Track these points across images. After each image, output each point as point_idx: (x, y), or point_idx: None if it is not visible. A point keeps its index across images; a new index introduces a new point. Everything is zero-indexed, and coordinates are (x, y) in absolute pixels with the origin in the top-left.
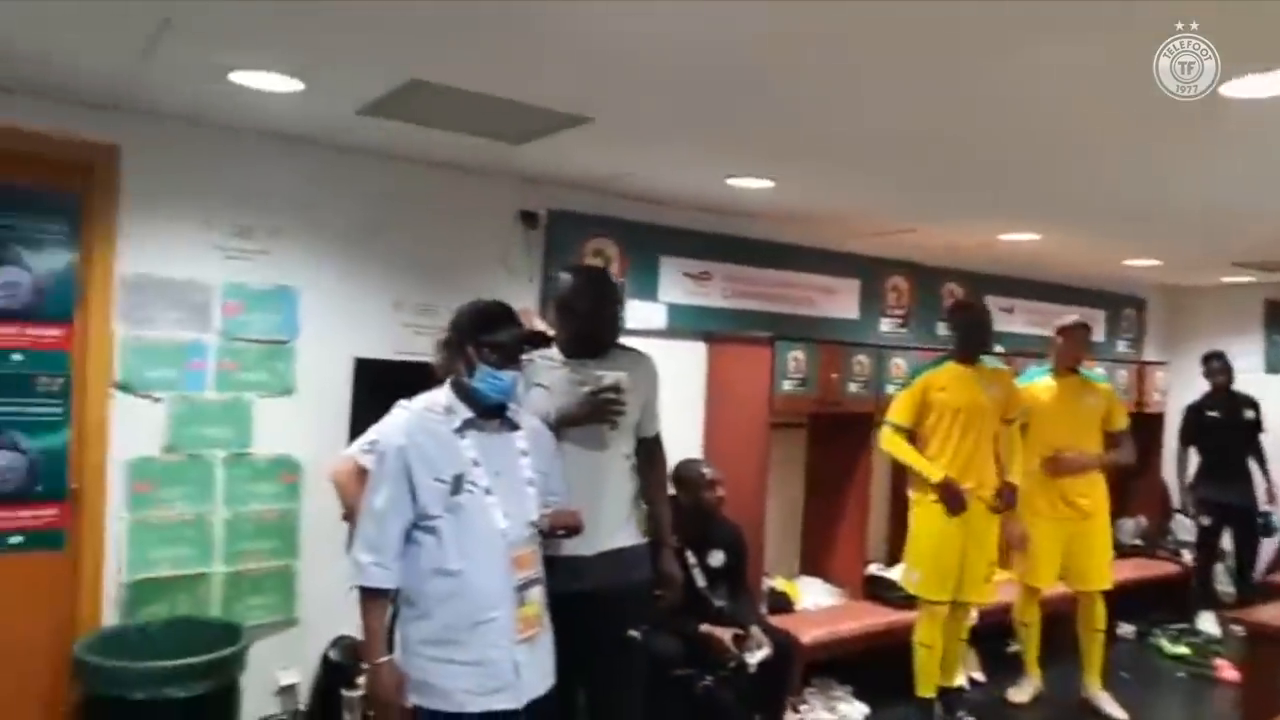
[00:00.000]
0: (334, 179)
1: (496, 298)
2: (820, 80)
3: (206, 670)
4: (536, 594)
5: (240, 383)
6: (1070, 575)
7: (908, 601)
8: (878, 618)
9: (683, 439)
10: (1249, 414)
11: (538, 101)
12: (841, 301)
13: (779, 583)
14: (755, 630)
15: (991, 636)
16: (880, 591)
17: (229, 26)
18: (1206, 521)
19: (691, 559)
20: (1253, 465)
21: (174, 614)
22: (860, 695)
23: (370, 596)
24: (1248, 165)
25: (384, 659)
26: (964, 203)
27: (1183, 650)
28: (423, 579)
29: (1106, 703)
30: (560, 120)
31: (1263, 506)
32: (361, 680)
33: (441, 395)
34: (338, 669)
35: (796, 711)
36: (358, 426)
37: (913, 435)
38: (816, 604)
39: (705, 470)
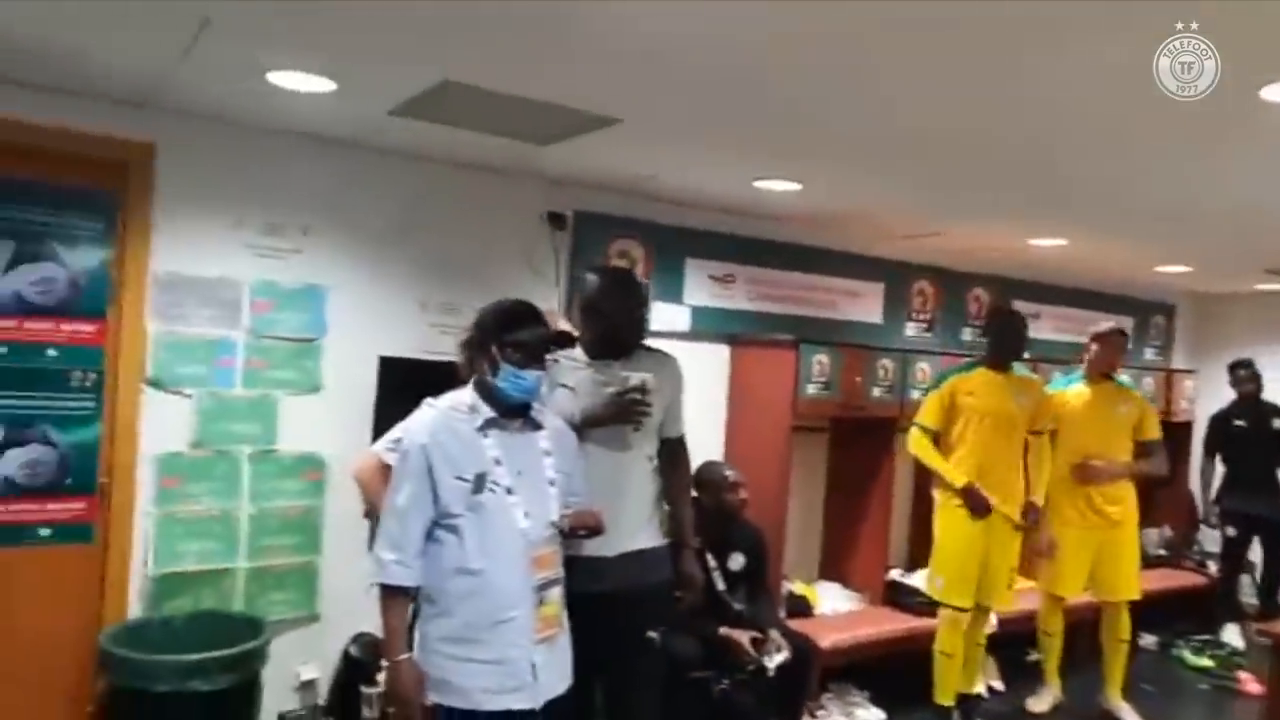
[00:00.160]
0: (364, 179)
1: (521, 298)
2: (850, 80)
3: (229, 664)
4: (556, 594)
5: (268, 380)
6: (1097, 585)
7: (928, 608)
8: (897, 624)
9: (705, 441)
10: (1277, 424)
11: (568, 102)
12: (866, 305)
13: (798, 586)
14: (774, 634)
15: (1011, 645)
16: (900, 598)
17: (266, 26)
18: (1232, 532)
19: (712, 561)
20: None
21: (198, 608)
22: (878, 701)
23: (391, 594)
24: None
25: (404, 656)
26: (993, 205)
27: (1206, 662)
28: (444, 577)
29: (1127, 714)
30: (589, 121)
31: None
32: (381, 677)
33: (465, 394)
34: (358, 665)
35: (814, 716)
36: (382, 425)
37: (939, 439)
38: (835, 609)
39: (727, 473)
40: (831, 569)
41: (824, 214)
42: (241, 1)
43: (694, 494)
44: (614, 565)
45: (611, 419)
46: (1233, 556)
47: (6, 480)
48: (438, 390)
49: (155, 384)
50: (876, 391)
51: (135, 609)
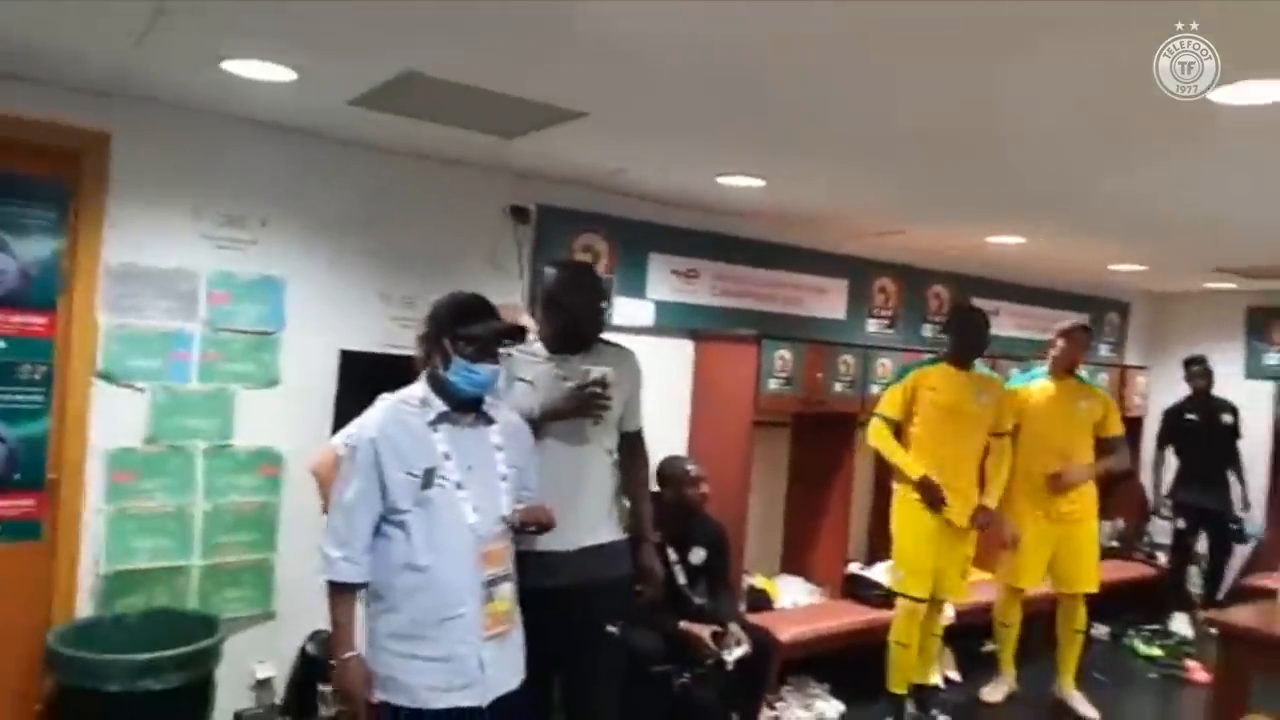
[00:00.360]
0: (324, 170)
1: (485, 292)
2: (816, 80)
3: (182, 662)
4: (506, 590)
5: (225, 373)
6: (1056, 577)
7: (886, 600)
8: (856, 616)
9: (668, 436)
10: (1227, 419)
11: (533, 96)
12: (829, 302)
13: (759, 580)
14: (734, 628)
15: (969, 636)
16: (859, 590)
17: (223, 14)
18: (1182, 525)
19: (673, 556)
20: (1229, 471)
21: (150, 606)
22: (837, 693)
23: (338, 591)
24: (1236, 172)
25: (350, 654)
26: (954, 204)
27: (1155, 651)
28: (391, 573)
29: (1080, 703)
30: (555, 115)
31: (1237, 513)
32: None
33: (418, 388)
34: (314, 663)
35: (773, 709)
36: (342, 419)
37: (900, 431)
38: (795, 602)
39: (689, 467)
40: (793, 563)
41: (788, 210)
42: None
43: (656, 489)
44: (573, 560)
45: (571, 413)
46: (1182, 548)
47: None
48: (398, 385)
49: (107, 377)
50: (838, 387)
51: (86, 607)
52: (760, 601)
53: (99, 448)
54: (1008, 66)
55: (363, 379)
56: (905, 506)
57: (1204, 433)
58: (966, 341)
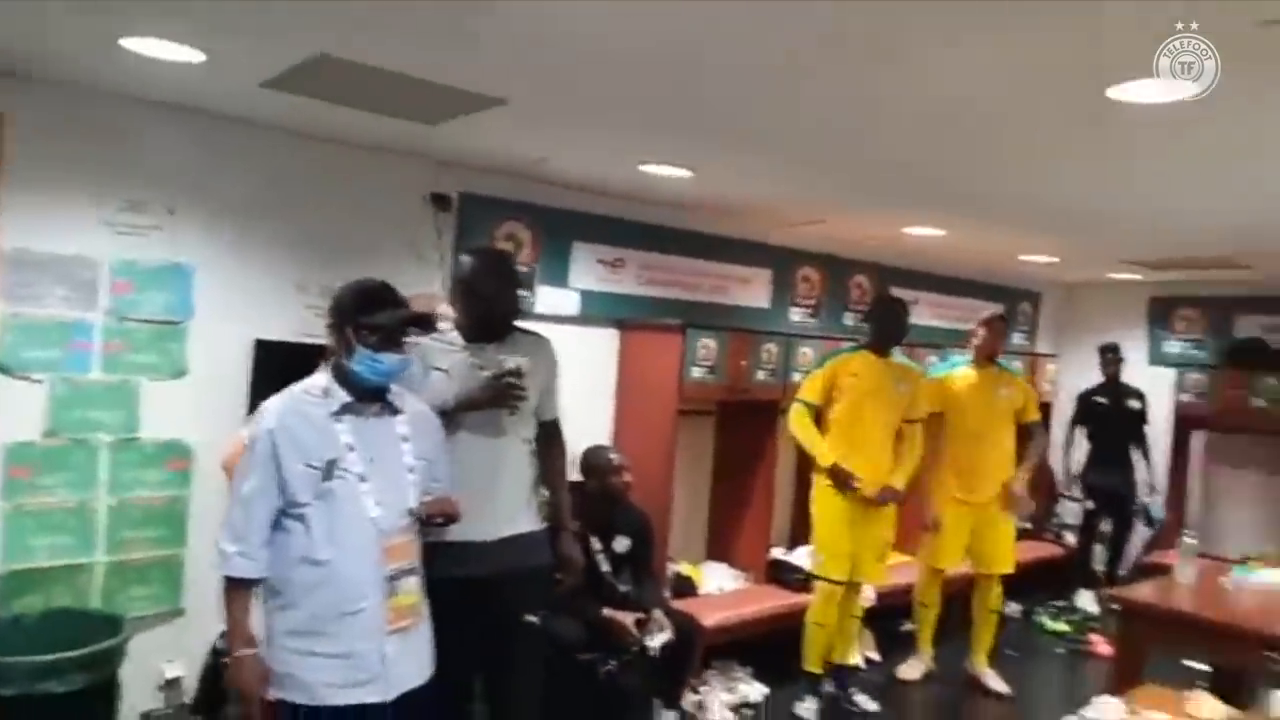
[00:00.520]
0: (235, 154)
1: (405, 281)
2: (732, 73)
3: (84, 664)
4: (411, 585)
5: (129, 364)
6: (975, 559)
7: (807, 585)
8: (779, 601)
9: (593, 426)
10: (1134, 404)
11: (450, 82)
12: (754, 291)
13: (684, 568)
14: (658, 614)
15: (888, 617)
16: (782, 575)
17: None
18: (1091, 505)
19: (597, 545)
20: (1136, 455)
21: (50, 605)
22: (761, 676)
23: (234, 586)
24: (1136, 169)
25: (246, 651)
26: (870, 196)
27: (1062, 627)
28: (289, 567)
29: (992, 679)
30: (473, 102)
31: (1143, 498)
32: None
33: (321, 378)
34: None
35: (696, 693)
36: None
37: (820, 417)
38: (721, 588)
39: (612, 456)
40: (717, 549)
41: (717, 200)
42: None
43: (580, 478)
44: (492, 550)
45: (486, 403)
46: (1089, 528)
47: None
48: None
49: (2, 369)
50: (761, 375)
51: None
52: (685, 588)
53: None
54: (910, 65)
55: (279, 369)
56: (823, 493)
57: (1114, 417)
58: (886, 330)
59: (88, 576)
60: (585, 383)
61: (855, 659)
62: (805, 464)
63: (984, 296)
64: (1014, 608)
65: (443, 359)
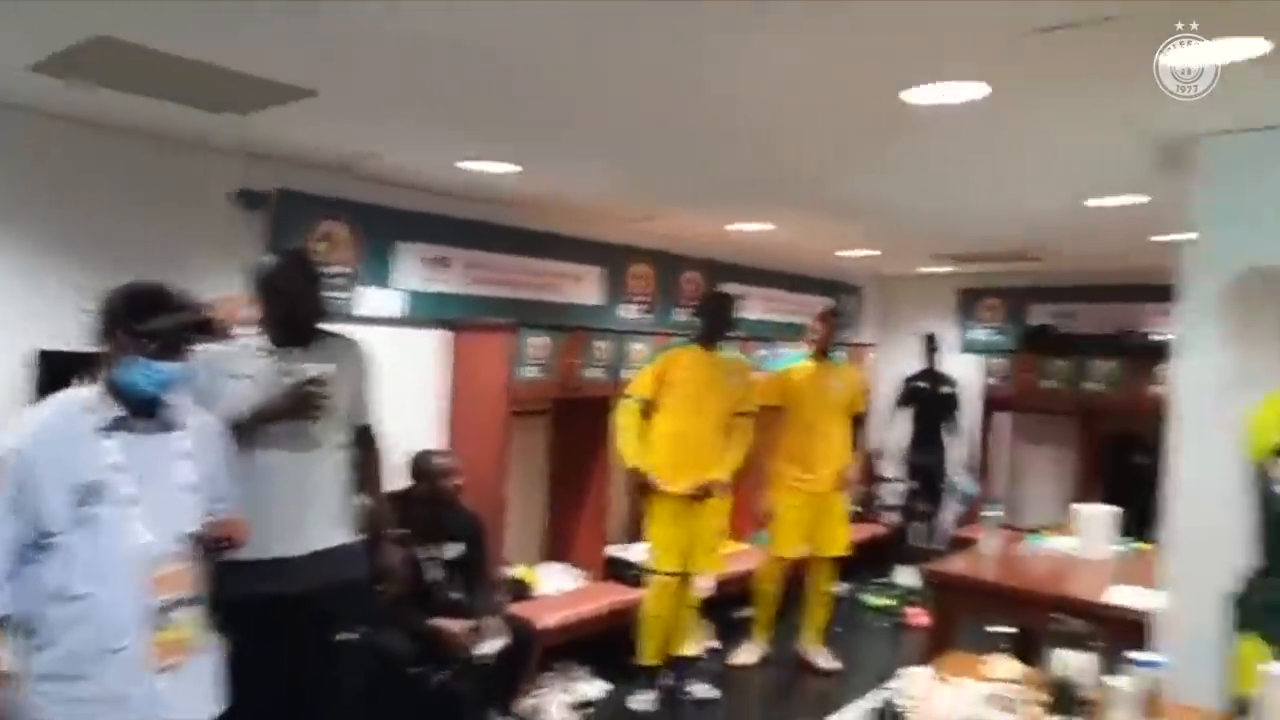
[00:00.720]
0: (6, 145)
1: (211, 284)
2: (544, 70)
3: None
4: (187, 615)
5: None
6: (814, 543)
7: (644, 580)
8: (617, 597)
9: (423, 429)
10: (945, 389)
11: (251, 70)
12: (585, 288)
13: (519, 571)
14: (490, 621)
15: (725, 605)
16: (619, 572)
17: None
18: (915, 485)
19: (426, 552)
20: (949, 436)
21: None
22: (602, 674)
23: None
24: (934, 168)
25: None
26: (693, 193)
27: (886, 602)
28: (42, 603)
29: (822, 658)
30: (279, 92)
31: (954, 476)
32: None
33: (90, 390)
34: None
35: (533, 697)
36: None
37: (650, 411)
38: (559, 588)
39: (441, 460)
40: (556, 549)
41: (544, 197)
42: None
43: (410, 483)
44: (304, 565)
45: (288, 413)
46: (909, 508)
47: None
48: None
49: None
50: (593, 372)
51: None
52: (520, 591)
53: None
54: (713, 65)
55: (66, 383)
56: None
57: (928, 399)
58: (715, 324)
59: None
60: (413, 385)
61: (694, 650)
62: None
63: (811, 291)
64: (842, 588)
65: (247, 365)
